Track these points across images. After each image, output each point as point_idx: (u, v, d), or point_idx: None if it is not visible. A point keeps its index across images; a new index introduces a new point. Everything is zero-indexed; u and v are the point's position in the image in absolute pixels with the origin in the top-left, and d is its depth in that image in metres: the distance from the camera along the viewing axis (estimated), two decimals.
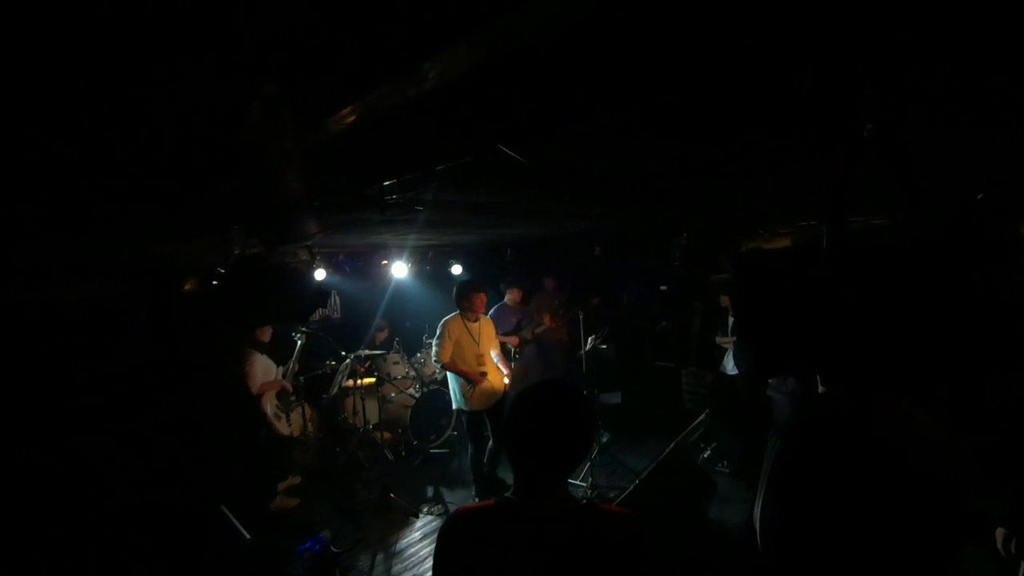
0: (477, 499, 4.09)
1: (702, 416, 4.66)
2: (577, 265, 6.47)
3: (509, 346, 5.30)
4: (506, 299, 5.49)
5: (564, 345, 6.23)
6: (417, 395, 5.20)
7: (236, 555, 2.27)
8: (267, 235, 1.49)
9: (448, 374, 4.25)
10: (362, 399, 4.92)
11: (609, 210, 3.78)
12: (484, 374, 4.15)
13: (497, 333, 4.62)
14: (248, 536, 2.37)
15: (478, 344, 4.22)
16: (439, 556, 1.16)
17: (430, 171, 1.81)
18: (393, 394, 5.27)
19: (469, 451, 4.26)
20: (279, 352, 4.69)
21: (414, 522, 4.07)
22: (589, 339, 4.94)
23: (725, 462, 4.62)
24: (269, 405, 4.17)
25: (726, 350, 5.59)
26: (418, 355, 6.05)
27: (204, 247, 3.42)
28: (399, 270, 5.68)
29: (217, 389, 2.98)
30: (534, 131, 1.51)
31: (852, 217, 3.82)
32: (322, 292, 2.20)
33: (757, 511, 1.31)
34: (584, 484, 4.29)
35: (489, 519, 1.14)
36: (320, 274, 4.95)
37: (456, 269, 6.42)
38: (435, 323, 6.51)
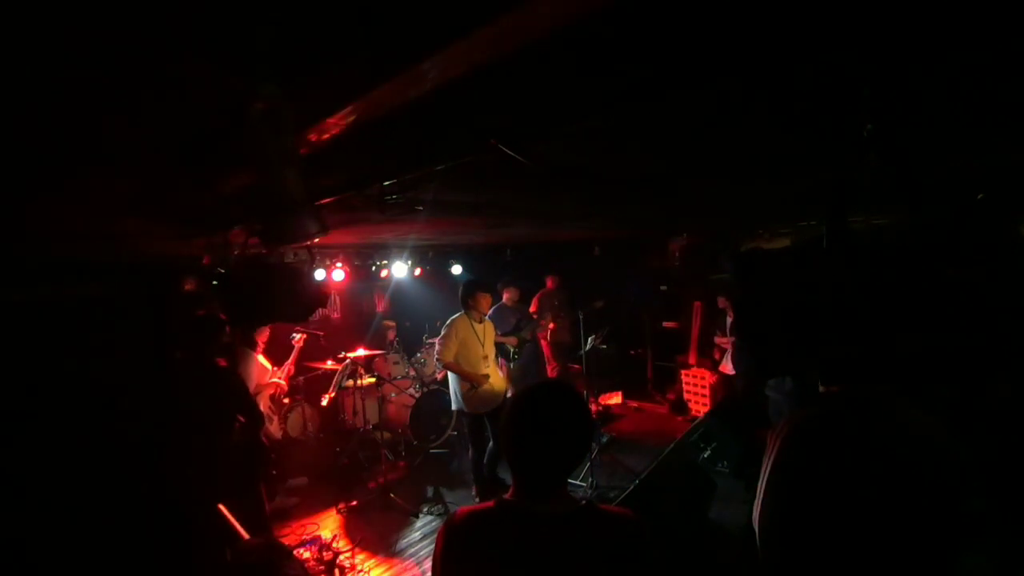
0: (477, 499, 4.09)
1: (702, 416, 4.66)
2: (577, 265, 6.47)
3: (508, 346, 5.30)
4: (504, 299, 5.49)
5: (565, 345, 6.24)
6: (417, 395, 5.20)
7: (235, 555, 2.27)
8: (267, 235, 1.49)
9: (449, 375, 4.21)
10: (362, 399, 4.92)
11: (609, 210, 3.78)
12: (487, 376, 4.13)
13: (496, 334, 4.62)
14: (247, 536, 2.37)
15: (483, 345, 4.17)
16: (438, 558, 1.16)
17: (430, 171, 1.80)
18: (393, 394, 5.27)
19: (470, 452, 4.24)
20: (276, 353, 4.70)
21: (414, 522, 4.07)
22: (589, 339, 4.93)
23: (725, 462, 4.62)
24: (262, 406, 4.18)
25: (725, 350, 5.59)
26: (418, 355, 6.05)
27: (204, 247, 3.42)
28: (399, 270, 5.68)
29: (216, 389, 2.98)
30: (535, 131, 1.51)
31: (852, 217, 3.82)
32: (322, 292, 2.20)
33: (756, 512, 1.32)
34: (584, 484, 4.29)
35: (488, 521, 1.14)
36: (320, 274, 4.95)
37: (456, 269, 6.42)
38: (435, 323, 6.59)
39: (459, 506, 1.23)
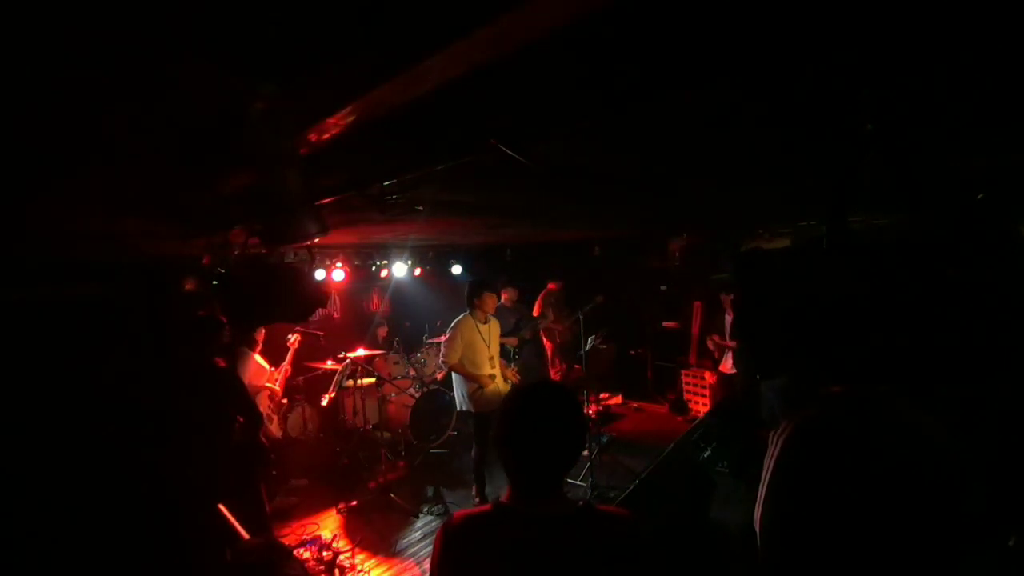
0: (477, 500, 4.08)
1: (702, 416, 4.67)
2: (577, 265, 6.48)
3: (508, 347, 5.30)
4: (502, 299, 5.49)
5: (568, 345, 6.24)
6: (417, 395, 5.20)
7: (235, 555, 2.26)
8: (267, 235, 1.49)
9: (454, 376, 4.17)
10: (362, 399, 4.92)
11: (608, 210, 3.78)
12: (493, 377, 4.08)
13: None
14: (247, 536, 2.37)
15: (488, 346, 4.13)
16: (436, 563, 1.15)
17: (430, 171, 1.80)
18: (393, 394, 5.27)
19: (473, 452, 4.20)
20: (272, 353, 4.70)
21: (414, 522, 4.07)
22: (589, 339, 4.93)
23: (725, 462, 4.62)
24: (261, 406, 4.18)
25: (725, 349, 5.59)
26: (418, 355, 6.05)
27: (204, 247, 3.42)
28: (399, 270, 5.68)
29: (216, 389, 2.97)
30: (535, 131, 1.51)
31: (852, 217, 3.82)
32: (322, 292, 2.20)
33: (757, 514, 1.31)
34: (584, 484, 4.29)
35: (485, 525, 1.14)
36: (320, 274, 4.95)
37: (456, 269, 6.42)
38: (435, 323, 6.59)
39: (459, 506, 1.23)
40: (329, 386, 5.20)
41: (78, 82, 1.02)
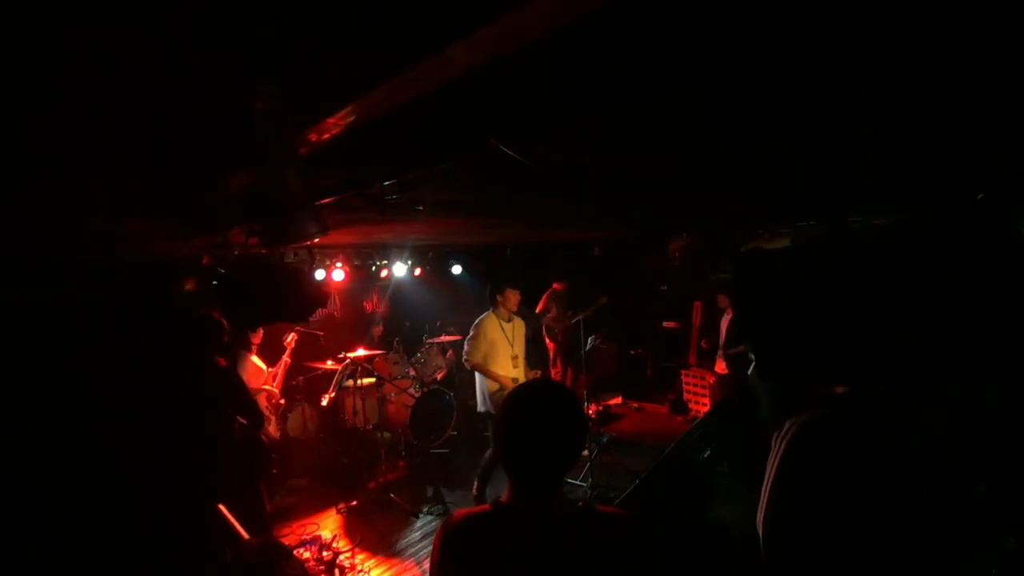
0: (476, 501, 4.07)
1: (702, 416, 4.67)
2: (577, 266, 6.48)
3: None
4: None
5: (566, 345, 6.24)
6: (417, 395, 5.20)
7: (235, 555, 2.27)
8: (267, 235, 1.49)
9: (476, 376, 4.06)
10: (362, 399, 4.92)
11: (608, 210, 3.78)
12: (516, 380, 3.96)
13: None
14: (247, 536, 2.37)
15: (512, 345, 4.01)
16: (435, 561, 1.15)
17: (430, 171, 1.80)
18: (393, 394, 5.27)
19: (488, 454, 4.00)
20: (269, 353, 4.70)
21: (414, 522, 4.07)
22: (589, 339, 4.93)
23: (725, 462, 4.61)
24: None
25: (718, 351, 5.59)
26: (418, 355, 6.05)
27: (204, 247, 3.42)
28: (399, 270, 5.68)
29: (216, 389, 2.97)
30: (535, 131, 1.51)
31: (852, 217, 3.82)
32: (322, 292, 2.20)
33: (760, 516, 1.31)
34: (584, 484, 4.28)
35: (485, 524, 1.14)
36: (320, 274, 4.95)
37: (456, 269, 6.42)
38: (435, 323, 6.59)
39: (459, 506, 1.23)
40: (329, 386, 5.20)
41: (78, 82, 1.02)
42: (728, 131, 1.71)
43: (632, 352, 7.27)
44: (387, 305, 6.89)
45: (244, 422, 3.07)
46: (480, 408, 4.08)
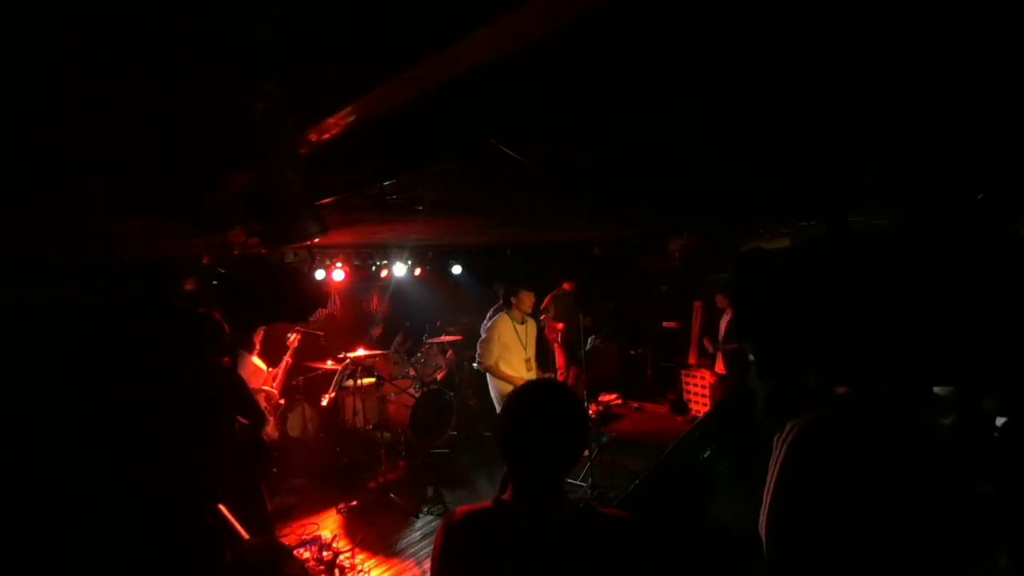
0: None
1: (702, 416, 4.67)
2: (577, 266, 6.48)
3: None
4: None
5: (567, 345, 6.24)
6: (417, 395, 5.20)
7: (235, 555, 2.26)
8: (267, 235, 1.48)
9: (489, 379, 4.01)
10: (362, 399, 4.91)
11: (608, 209, 3.78)
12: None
13: None
14: (247, 536, 2.37)
15: (525, 347, 3.96)
16: (436, 557, 1.16)
17: (430, 171, 1.80)
18: (393, 394, 5.27)
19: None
20: (270, 353, 4.69)
21: (414, 522, 4.07)
22: (589, 339, 4.93)
23: (725, 462, 4.62)
24: None
25: (717, 351, 5.59)
26: (418, 355, 6.05)
27: (204, 247, 3.42)
28: (399, 270, 5.68)
29: (217, 389, 2.97)
30: (535, 131, 1.51)
31: (852, 217, 3.82)
32: (322, 292, 2.20)
33: (763, 519, 1.31)
34: (584, 484, 4.28)
35: (486, 522, 1.14)
36: (320, 274, 4.95)
37: (456, 269, 6.42)
38: (435, 323, 6.59)
39: (459, 507, 1.23)
40: (329, 386, 5.20)
41: (77, 82, 1.02)
42: (728, 131, 1.71)
43: (632, 352, 7.27)
44: (385, 305, 6.89)
45: (246, 423, 3.07)
46: (500, 409, 4.01)
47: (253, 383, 4.38)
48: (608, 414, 6.47)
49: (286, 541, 3.70)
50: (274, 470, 4.37)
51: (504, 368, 3.85)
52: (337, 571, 3.44)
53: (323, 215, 1.51)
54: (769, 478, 1.32)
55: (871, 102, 1.34)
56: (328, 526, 4.07)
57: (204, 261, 3.78)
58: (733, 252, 5.60)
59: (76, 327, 3.39)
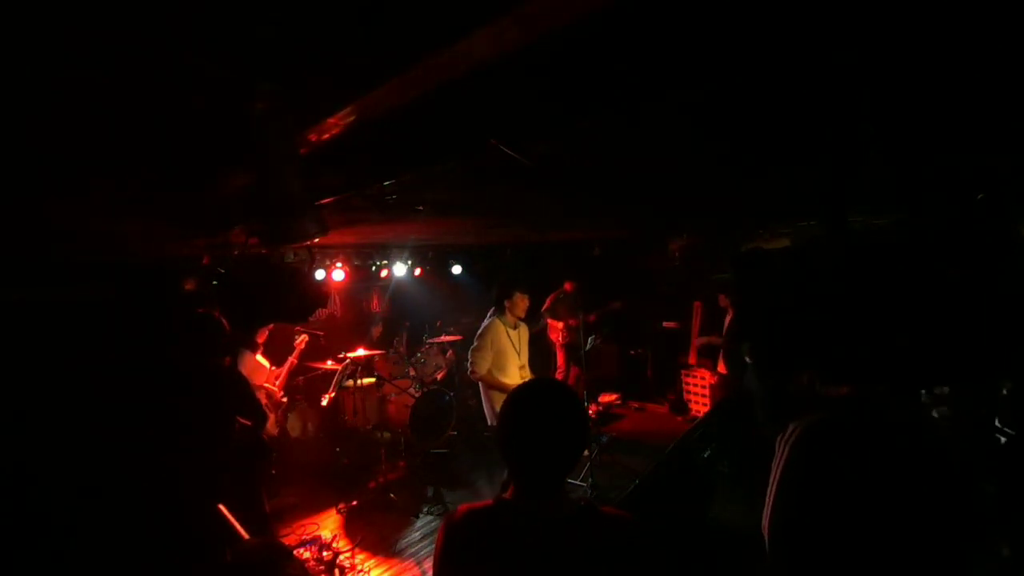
0: None
1: (702, 416, 4.67)
2: (577, 266, 6.48)
3: None
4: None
5: (576, 346, 6.23)
6: (417, 395, 5.20)
7: (235, 555, 2.26)
8: (267, 235, 1.48)
9: (481, 389, 3.81)
10: (362, 399, 4.91)
11: (608, 209, 3.78)
12: None
13: None
14: (247, 536, 2.37)
15: (519, 353, 3.78)
16: (438, 554, 1.16)
17: (430, 171, 1.80)
18: (393, 394, 5.27)
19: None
20: (276, 352, 4.69)
21: (414, 522, 4.07)
22: (589, 339, 4.93)
23: (725, 462, 4.62)
24: None
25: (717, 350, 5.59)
26: (418, 355, 6.05)
27: (204, 247, 3.42)
28: (399, 270, 5.68)
29: (217, 389, 2.97)
30: (535, 131, 1.51)
31: (852, 217, 3.82)
32: (322, 292, 2.20)
33: (766, 521, 1.31)
34: (584, 484, 4.28)
35: (487, 520, 1.14)
36: (320, 274, 4.95)
37: (456, 269, 6.42)
38: (435, 323, 6.59)
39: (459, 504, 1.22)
40: (329, 386, 5.20)
41: (77, 82, 1.02)
42: (728, 132, 1.71)
43: (632, 352, 7.27)
44: (386, 305, 6.89)
45: (247, 423, 3.07)
46: (491, 422, 3.80)
47: (255, 380, 4.39)
48: (608, 414, 6.47)
49: (286, 541, 3.70)
50: (274, 471, 4.37)
51: (498, 376, 3.66)
52: (337, 571, 3.44)
53: (323, 215, 1.51)
54: (772, 479, 1.32)
55: (871, 102, 1.34)
56: (328, 526, 4.07)
57: (204, 261, 3.78)
58: (733, 252, 5.60)
59: (76, 327, 3.39)
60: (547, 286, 6.30)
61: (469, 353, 3.74)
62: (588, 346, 4.92)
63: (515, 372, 3.76)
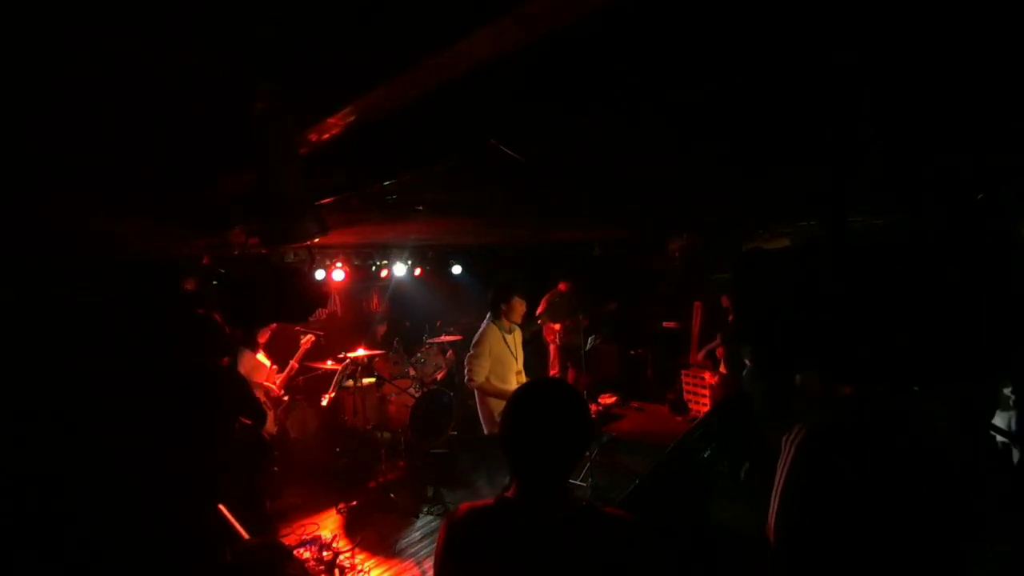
0: None
1: (702, 416, 4.67)
2: (578, 266, 6.48)
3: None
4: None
5: (574, 347, 6.23)
6: (417, 395, 5.20)
7: (235, 555, 2.26)
8: (267, 235, 1.48)
9: (478, 397, 3.71)
10: (362, 399, 4.91)
11: (608, 210, 3.78)
12: None
13: None
14: (247, 536, 2.37)
15: (516, 359, 3.71)
16: (439, 552, 1.16)
17: (430, 171, 1.81)
18: (393, 394, 5.27)
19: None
20: (278, 352, 4.69)
21: (414, 522, 4.07)
22: (589, 339, 4.93)
23: (725, 462, 4.61)
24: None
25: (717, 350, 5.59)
26: (418, 355, 6.05)
27: (204, 247, 3.42)
28: (399, 270, 5.68)
29: (217, 388, 2.98)
30: (535, 131, 1.51)
31: (852, 217, 3.82)
32: (322, 292, 2.20)
33: (771, 521, 1.31)
34: (584, 484, 4.28)
35: (489, 519, 1.14)
36: (320, 274, 4.95)
37: (456, 269, 6.42)
38: (435, 323, 6.59)
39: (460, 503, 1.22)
40: (329, 386, 5.20)
41: (77, 82, 1.02)
42: (728, 132, 1.71)
43: (632, 352, 7.27)
44: (387, 304, 6.89)
45: (248, 422, 3.07)
46: (487, 431, 3.71)
47: (254, 379, 4.38)
48: (608, 414, 6.47)
49: (286, 541, 3.70)
50: (275, 469, 4.37)
51: (496, 383, 3.59)
52: (337, 571, 3.44)
53: (323, 215, 1.51)
54: (776, 480, 1.31)
55: (871, 102, 1.34)
56: (328, 526, 4.07)
57: (204, 261, 3.78)
58: (733, 252, 5.60)
59: (76, 327, 3.39)
60: (546, 288, 6.30)
61: (466, 360, 3.67)
62: (588, 346, 4.92)
63: (512, 377, 3.71)
